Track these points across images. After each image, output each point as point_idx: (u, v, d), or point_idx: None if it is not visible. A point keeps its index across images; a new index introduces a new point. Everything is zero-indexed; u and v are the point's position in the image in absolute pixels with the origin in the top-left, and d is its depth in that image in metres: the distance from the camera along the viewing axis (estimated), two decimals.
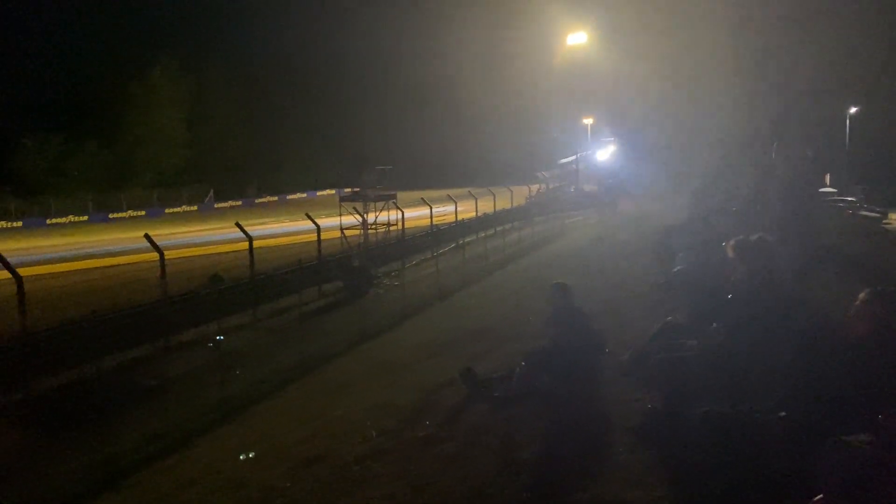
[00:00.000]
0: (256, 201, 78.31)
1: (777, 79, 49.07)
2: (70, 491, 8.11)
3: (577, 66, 53.15)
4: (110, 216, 62.98)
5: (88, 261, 29.50)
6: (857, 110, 55.63)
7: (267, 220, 48.00)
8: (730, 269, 5.24)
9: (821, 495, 3.10)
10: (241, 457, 7.76)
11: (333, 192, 72.18)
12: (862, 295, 4.17)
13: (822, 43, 49.61)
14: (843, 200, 38.44)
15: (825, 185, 39.26)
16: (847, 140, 54.42)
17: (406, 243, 24.78)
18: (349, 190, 27.14)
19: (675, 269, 6.99)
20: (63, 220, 60.26)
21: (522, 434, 5.91)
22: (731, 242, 4.92)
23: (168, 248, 15.91)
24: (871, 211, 36.49)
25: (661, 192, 39.10)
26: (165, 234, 35.37)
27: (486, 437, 5.90)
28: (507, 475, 5.18)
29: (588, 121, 70.30)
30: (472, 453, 5.63)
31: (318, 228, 20.30)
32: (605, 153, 64.36)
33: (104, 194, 67.14)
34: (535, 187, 49.30)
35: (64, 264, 28.74)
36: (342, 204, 25.69)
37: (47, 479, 8.46)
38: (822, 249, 9.59)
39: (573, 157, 59.65)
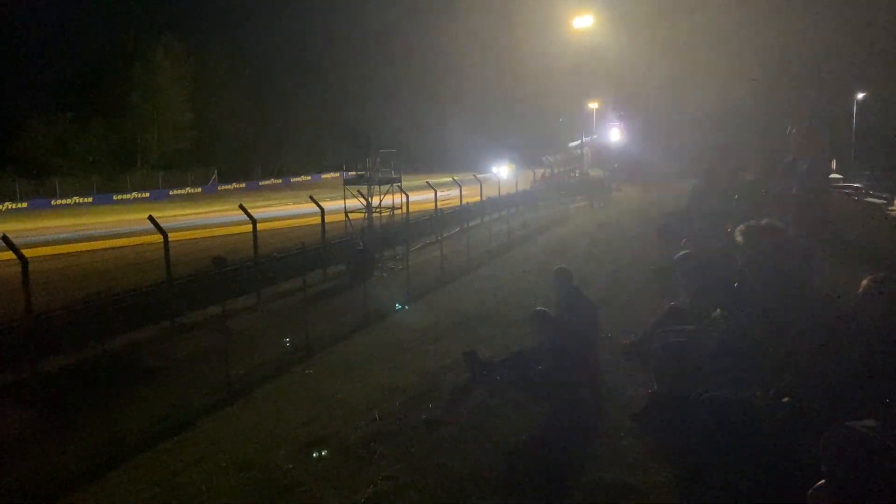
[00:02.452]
0: (261, 184, 78.22)
1: (787, 62, 48.69)
2: (75, 470, 8.17)
3: (584, 49, 52.80)
4: (115, 198, 62.98)
5: (93, 242, 29.55)
6: (864, 96, 55.26)
7: (271, 202, 47.97)
8: (736, 254, 5.20)
9: (822, 481, 3.10)
10: (245, 438, 7.80)
11: (338, 174, 72.08)
12: (865, 281, 4.15)
13: (830, 27, 49.17)
14: (848, 186, 38.28)
15: (831, 171, 39.05)
16: (853, 126, 54.09)
17: (410, 227, 24.74)
18: (353, 173, 26.99)
19: (679, 255, 6.95)
20: (68, 201, 60.32)
21: (524, 417, 5.92)
22: (740, 227, 4.87)
23: (172, 230, 15.91)
24: (877, 197, 36.32)
25: (670, 176, 38.94)
26: (169, 215, 35.39)
27: (488, 421, 5.91)
28: (509, 458, 5.19)
29: (594, 105, 69.99)
30: (474, 436, 5.65)
31: (323, 211, 20.26)
32: (612, 137, 64.11)
33: (109, 176, 67.14)
34: (540, 172, 49.12)
35: (69, 245, 28.79)
36: (346, 187, 25.60)
37: (53, 459, 8.52)
38: (827, 235, 9.54)
39: (579, 142, 59.43)
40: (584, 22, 46.56)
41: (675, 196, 23.93)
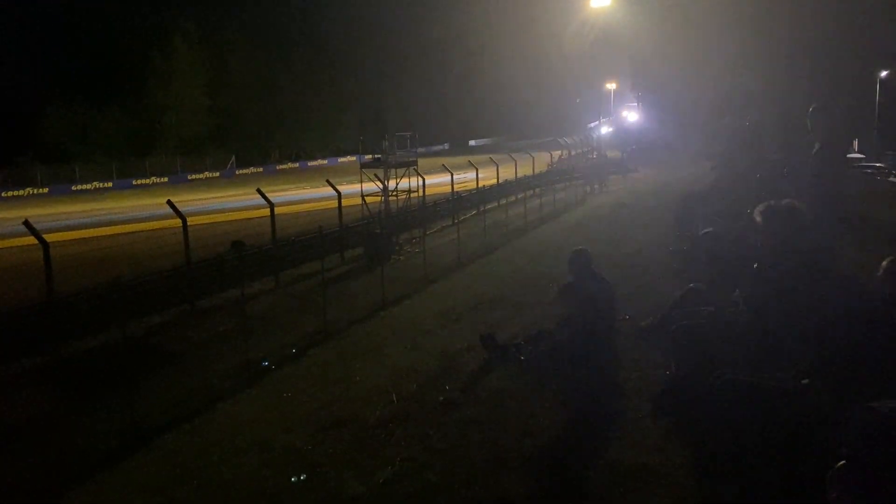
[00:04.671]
0: (278, 168, 78.49)
1: (808, 40, 47.90)
2: (97, 452, 8.28)
3: (602, 27, 52.28)
4: (134, 183, 63.53)
5: (113, 227, 29.81)
6: (887, 74, 54.23)
7: (288, 186, 48.10)
8: (756, 235, 5.13)
9: (843, 462, 3.07)
10: (264, 420, 7.87)
11: (354, 158, 72.11)
12: (885, 262, 4.11)
13: (852, 3, 48.26)
14: (871, 166, 37.74)
15: (853, 151, 38.50)
16: (877, 105, 53.16)
17: (427, 210, 24.71)
18: (370, 157, 26.98)
19: (700, 234, 6.90)
20: (88, 186, 60.89)
21: (542, 399, 5.92)
22: (760, 208, 4.79)
23: (190, 215, 15.99)
24: None
25: (689, 157, 38.57)
26: (188, 200, 35.61)
27: (506, 403, 5.93)
28: (526, 440, 5.20)
29: (611, 86, 69.41)
30: (492, 418, 5.66)
31: (339, 195, 20.28)
32: (630, 118, 63.55)
33: (128, 161, 67.66)
34: (557, 154, 48.85)
35: (89, 230, 29.07)
36: (363, 171, 25.59)
37: (75, 441, 8.64)
38: (849, 215, 9.42)
39: (596, 123, 59.03)
40: (601, 1, 46.06)
41: (693, 177, 23.74)
